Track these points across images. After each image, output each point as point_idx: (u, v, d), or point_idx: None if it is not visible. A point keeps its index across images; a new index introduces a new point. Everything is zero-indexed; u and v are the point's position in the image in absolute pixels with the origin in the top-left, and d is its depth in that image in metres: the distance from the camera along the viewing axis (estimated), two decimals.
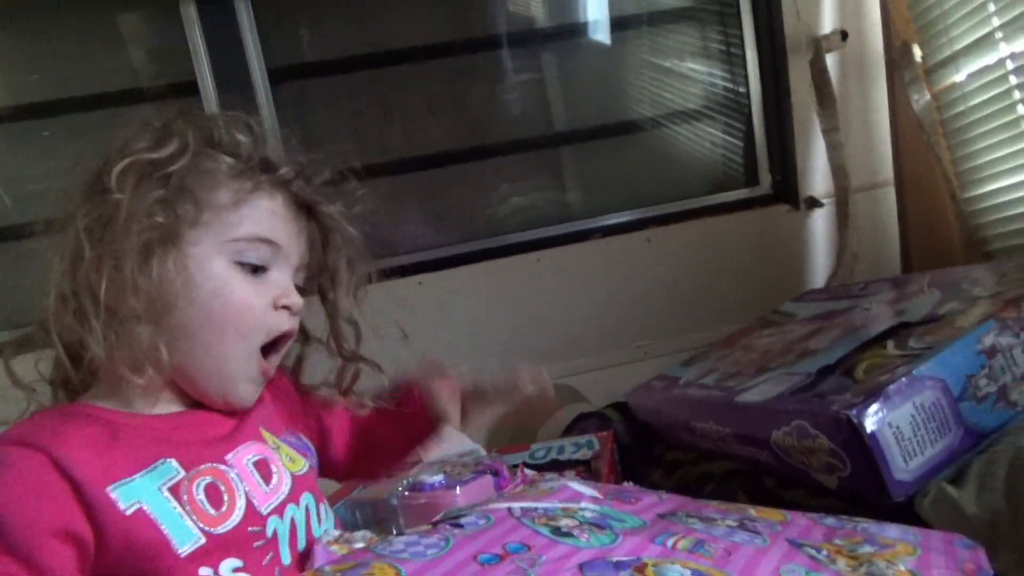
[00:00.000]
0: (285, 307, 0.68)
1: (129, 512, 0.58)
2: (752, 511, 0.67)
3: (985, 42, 1.33)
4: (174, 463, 0.62)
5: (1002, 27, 1.28)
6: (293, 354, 0.78)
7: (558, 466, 1.13)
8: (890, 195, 1.68)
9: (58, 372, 0.66)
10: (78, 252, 0.61)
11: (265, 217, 0.67)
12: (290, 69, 1.55)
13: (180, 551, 0.59)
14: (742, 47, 1.68)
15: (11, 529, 0.55)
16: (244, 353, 0.67)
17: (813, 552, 0.54)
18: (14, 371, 0.65)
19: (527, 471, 1.14)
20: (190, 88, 1.47)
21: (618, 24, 1.75)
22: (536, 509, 0.57)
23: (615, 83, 1.77)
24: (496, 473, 0.93)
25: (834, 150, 1.58)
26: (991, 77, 1.34)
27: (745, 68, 1.68)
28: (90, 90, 1.51)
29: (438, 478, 0.77)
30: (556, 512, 0.56)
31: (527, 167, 1.73)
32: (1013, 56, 1.27)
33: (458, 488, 0.75)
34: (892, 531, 0.61)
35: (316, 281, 0.76)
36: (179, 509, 0.60)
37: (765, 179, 1.71)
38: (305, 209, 0.72)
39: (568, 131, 1.74)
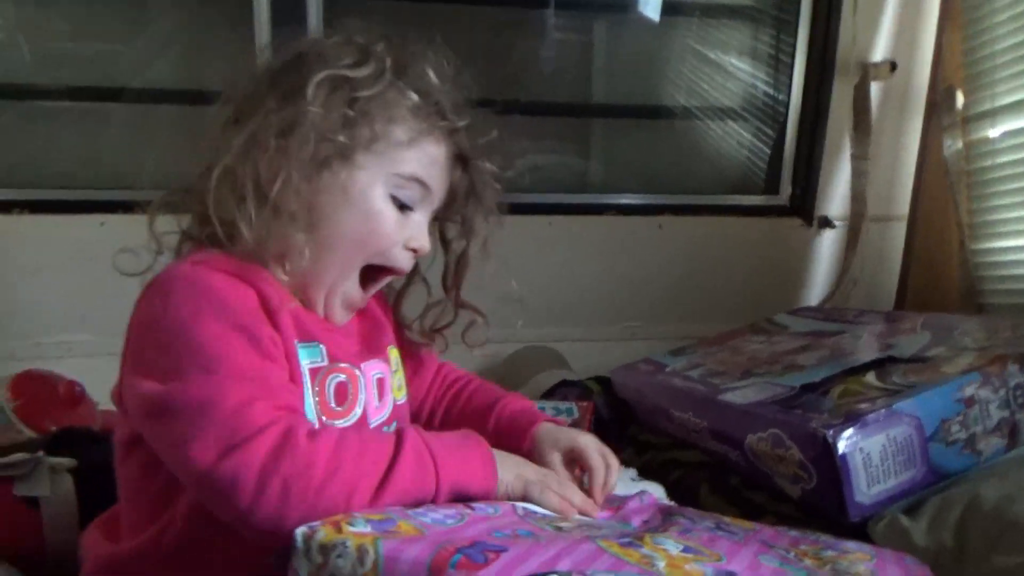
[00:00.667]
0: (413, 249, 0.71)
1: (303, 368, 0.64)
2: (725, 518, 0.71)
3: None
4: (323, 349, 0.67)
5: None
6: (396, 287, 0.81)
7: None
8: (900, 230, 1.71)
9: (201, 230, 0.68)
10: (257, 141, 0.64)
11: (428, 161, 0.70)
12: None
13: None
14: (792, 56, 1.69)
15: (253, 331, 0.60)
16: (353, 269, 0.70)
17: (783, 552, 0.58)
18: (155, 230, 0.69)
19: None
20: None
21: (673, 8, 1.75)
22: (536, 512, 0.61)
23: (659, 65, 1.77)
24: None
25: (859, 177, 1.61)
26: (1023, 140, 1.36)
27: (791, 77, 1.69)
28: None
29: None
30: (553, 517, 0.61)
31: (556, 131, 1.73)
32: None
33: None
34: (850, 544, 0.66)
35: (442, 224, 0.77)
36: (310, 390, 0.65)
37: (785, 190, 1.73)
38: (462, 161, 0.74)
39: (604, 104, 1.75)
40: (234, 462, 0.54)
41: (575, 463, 0.72)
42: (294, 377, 0.63)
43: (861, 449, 0.83)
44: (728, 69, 1.77)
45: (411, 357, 0.82)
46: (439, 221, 0.77)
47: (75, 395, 1.18)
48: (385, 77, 0.67)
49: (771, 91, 1.75)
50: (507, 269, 0.77)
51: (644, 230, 1.66)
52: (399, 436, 0.59)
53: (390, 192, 0.69)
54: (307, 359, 0.65)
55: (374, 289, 0.73)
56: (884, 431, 0.84)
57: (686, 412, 1.10)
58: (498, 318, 0.81)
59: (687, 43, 1.76)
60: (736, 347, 1.30)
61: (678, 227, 1.67)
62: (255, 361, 0.59)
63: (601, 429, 1.24)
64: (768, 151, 1.77)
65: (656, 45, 1.77)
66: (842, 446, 0.82)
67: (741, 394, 1.03)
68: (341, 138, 0.65)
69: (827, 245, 1.72)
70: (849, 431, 0.83)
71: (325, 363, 0.67)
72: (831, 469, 0.83)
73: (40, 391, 1.17)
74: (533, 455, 0.72)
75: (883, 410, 0.85)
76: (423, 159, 0.69)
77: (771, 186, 1.76)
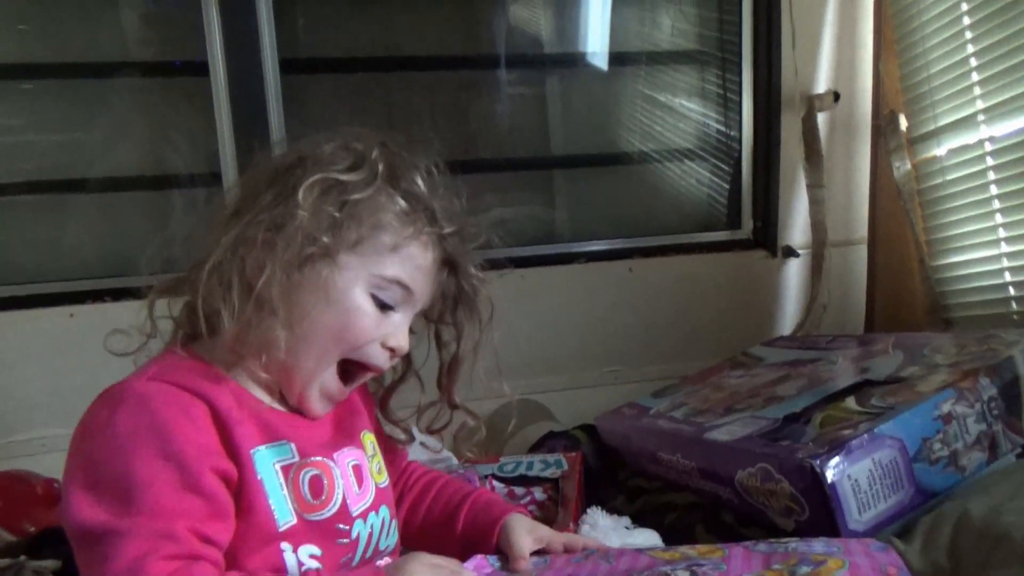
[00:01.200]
0: (391, 348, 0.72)
1: (259, 476, 0.65)
2: (693, 551, 0.72)
3: (968, 122, 1.41)
4: (292, 447, 0.68)
5: (985, 110, 1.36)
6: (385, 381, 0.82)
7: (526, 481, 1.17)
8: (862, 252, 1.76)
9: (188, 320, 0.70)
10: (246, 236, 0.66)
11: (413, 266, 0.71)
12: (301, 62, 1.57)
13: (279, 525, 0.65)
14: (739, 94, 1.75)
15: (183, 460, 0.60)
16: (328, 364, 0.71)
17: None
18: (153, 313, 0.70)
19: (495, 483, 1.18)
20: (200, 68, 1.47)
21: (621, 58, 1.80)
22: None
23: (612, 114, 1.82)
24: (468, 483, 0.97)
25: (816, 205, 1.65)
26: (970, 156, 1.41)
27: (740, 115, 1.75)
28: (90, 57, 1.52)
29: None
30: None
31: (519, 185, 1.76)
32: (992, 139, 1.35)
33: None
34: (818, 546, 0.68)
35: (433, 324, 0.79)
36: (284, 488, 0.66)
37: (747, 224, 1.77)
38: (449, 265, 0.75)
39: (563, 155, 1.79)
40: None
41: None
42: (248, 486, 0.64)
43: (849, 476, 0.84)
44: (680, 111, 1.83)
45: (386, 447, 0.83)
46: (433, 323, 0.78)
47: (54, 493, 1.15)
48: (376, 182, 0.69)
49: (723, 129, 1.80)
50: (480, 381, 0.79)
51: (615, 274, 1.68)
52: None
53: (370, 291, 0.70)
54: (276, 458, 0.67)
55: (354, 385, 0.74)
56: (869, 455, 0.85)
57: (674, 454, 1.11)
58: (478, 374, 0.80)
59: (638, 89, 1.81)
60: (717, 383, 1.31)
61: (648, 269, 1.70)
62: (173, 497, 0.59)
63: (590, 479, 1.24)
64: (727, 187, 1.81)
65: (608, 94, 1.82)
66: (830, 474, 0.83)
67: (726, 431, 1.04)
68: (326, 239, 0.67)
69: (793, 273, 1.76)
70: (836, 459, 0.84)
71: (296, 459, 0.68)
72: (822, 498, 0.84)
73: (18, 493, 1.14)
74: (500, 541, 0.77)
75: (865, 435, 0.86)
76: (407, 264, 0.71)
77: (733, 221, 1.80)
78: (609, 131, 1.82)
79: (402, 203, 0.70)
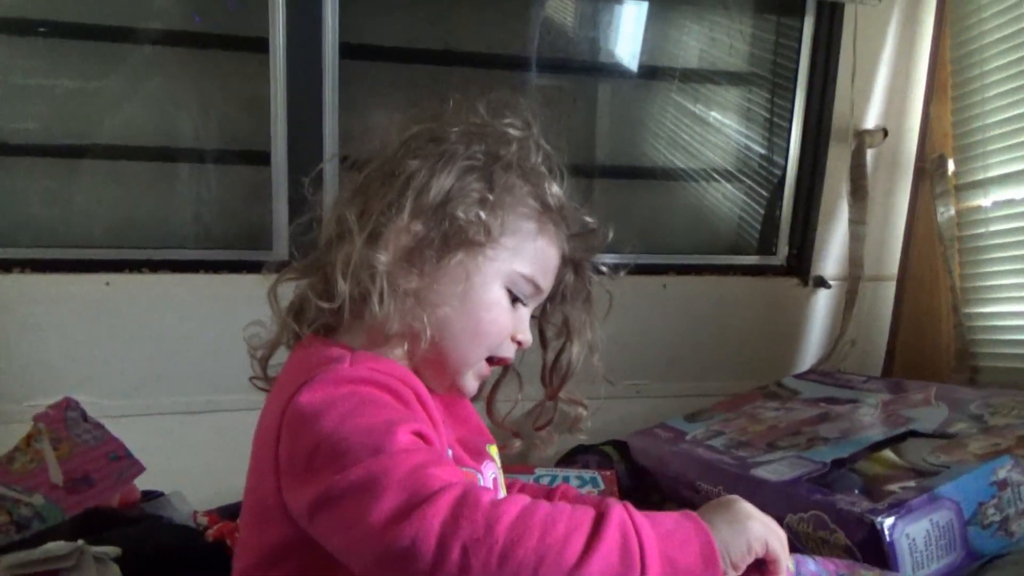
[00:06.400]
0: (518, 341, 0.72)
1: None
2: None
3: (1018, 176, 1.42)
4: (450, 454, 0.66)
5: None
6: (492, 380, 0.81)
7: None
8: (890, 290, 1.77)
9: (316, 312, 0.67)
10: (391, 219, 0.65)
11: (545, 262, 0.71)
12: (361, 48, 1.55)
13: None
14: (789, 120, 1.74)
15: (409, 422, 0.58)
16: (478, 358, 0.71)
17: None
18: (280, 301, 0.69)
19: None
20: (260, 44, 1.45)
21: (672, 72, 1.79)
22: None
23: (659, 128, 1.81)
24: None
25: (856, 241, 1.66)
26: (1016, 210, 1.43)
27: (787, 141, 1.75)
28: (152, 24, 1.48)
29: None
30: None
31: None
32: None
33: None
34: None
35: (541, 322, 0.78)
36: None
37: (782, 250, 1.78)
38: (572, 264, 0.75)
39: (607, 165, 1.78)
40: (413, 526, 0.51)
41: None
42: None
43: (907, 535, 0.86)
44: (725, 132, 1.83)
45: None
46: (538, 319, 0.78)
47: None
48: (518, 170, 0.68)
49: (767, 153, 1.80)
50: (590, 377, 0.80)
51: (649, 289, 1.68)
52: (602, 510, 0.54)
53: (506, 286, 0.69)
54: None
55: (483, 379, 0.74)
56: (927, 516, 0.87)
57: (716, 486, 1.12)
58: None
59: (688, 108, 1.81)
60: (752, 414, 1.32)
61: (682, 286, 1.70)
62: (421, 444, 0.58)
63: (621, 498, 1.25)
64: (762, 212, 1.82)
65: (656, 108, 1.81)
66: (891, 532, 0.85)
67: (773, 469, 1.05)
68: (472, 218, 0.66)
69: (822, 305, 1.77)
70: (897, 517, 0.86)
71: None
72: (879, 555, 0.85)
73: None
74: None
75: (925, 495, 0.88)
76: (542, 259, 0.71)
77: (766, 246, 1.80)
78: (652, 145, 1.81)
79: (540, 199, 0.70)
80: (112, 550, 0.83)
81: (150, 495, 1.21)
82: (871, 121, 1.71)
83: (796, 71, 1.71)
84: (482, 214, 0.66)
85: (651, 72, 1.77)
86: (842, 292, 1.72)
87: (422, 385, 0.65)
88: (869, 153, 1.71)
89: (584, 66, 1.76)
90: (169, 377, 1.44)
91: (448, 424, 0.71)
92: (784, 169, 1.76)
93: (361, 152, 0.72)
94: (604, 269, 0.78)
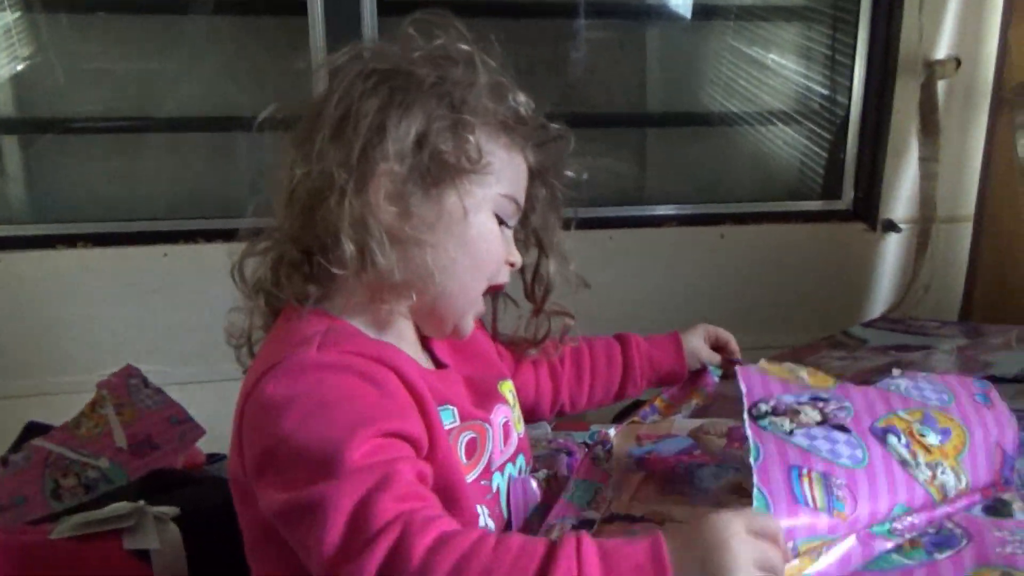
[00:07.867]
0: (510, 263, 0.71)
1: (447, 427, 0.64)
2: (803, 372, 0.78)
3: None
4: (454, 411, 0.66)
5: None
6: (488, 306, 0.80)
7: None
8: (966, 231, 1.67)
9: (291, 282, 0.65)
10: (371, 162, 0.62)
11: (519, 178, 0.69)
12: (399, 4, 1.52)
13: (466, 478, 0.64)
14: (852, 57, 1.65)
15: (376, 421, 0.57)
16: (479, 292, 0.70)
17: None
18: (247, 278, 0.68)
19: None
20: (298, 8, 1.44)
21: (726, 11, 1.72)
22: None
23: (713, 71, 1.75)
24: (569, 452, 0.95)
25: (928, 180, 1.57)
26: None
27: (851, 79, 1.65)
28: None
29: None
30: None
31: (612, 142, 1.71)
32: None
33: None
34: (928, 392, 0.71)
35: (519, 236, 0.76)
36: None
37: (847, 195, 1.69)
38: (540, 174, 0.73)
39: (659, 113, 1.72)
40: (353, 570, 0.51)
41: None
42: (439, 443, 0.61)
43: None
44: (785, 73, 1.74)
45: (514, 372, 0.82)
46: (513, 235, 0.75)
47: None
48: (477, 87, 0.65)
49: (829, 93, 1.71)
50: (569, 284, 0.78)
51: (706, 239, 1.63)
52: (551, 553, 0.50)
53: (494, 211, 0.68)
54: (446, 422, 0.65)
55: (480, 315, 0.73)
56: None
57: None
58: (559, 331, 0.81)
59: (742, 49, 1.73)
60: (817, 364, 1.26)
61: (741, 236, 1.64)
62: (379, 456, 0.55)
63: None
64: (825, 155, 1.73)
65: (708, 50, 1.74)
66: None
67: None
68: (452, 159, 0.63)
69: (892, 250, 1.69)
70: None
71: (457, 423, 0.66)
72: None
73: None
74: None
75: None
76: (515, 175, 0.69)
77: (830, 191, 1.72)
78: (706, 90, 1.75)
79: (504, 113, 0.67)
80: (171, 510, 0.85)
81: (215, 458, 1.24)
82: (942, 51, 1.60)
83: (859, 1, 1.61)
84: (462, 140, 0.63)
85: (702, 12, 1.70)
86: (913, 236, 1.64)
87: (405, 357, 0.63)
88: (940, 85, 1.60)
89: (636, 9, 1.69)
90: (225, 344, 1.46)
91: (457, 366, 0.71)
92: (848, 108, 1.67)
93: (288, 107, 0.69)
94: (571, 174, 0.75)
